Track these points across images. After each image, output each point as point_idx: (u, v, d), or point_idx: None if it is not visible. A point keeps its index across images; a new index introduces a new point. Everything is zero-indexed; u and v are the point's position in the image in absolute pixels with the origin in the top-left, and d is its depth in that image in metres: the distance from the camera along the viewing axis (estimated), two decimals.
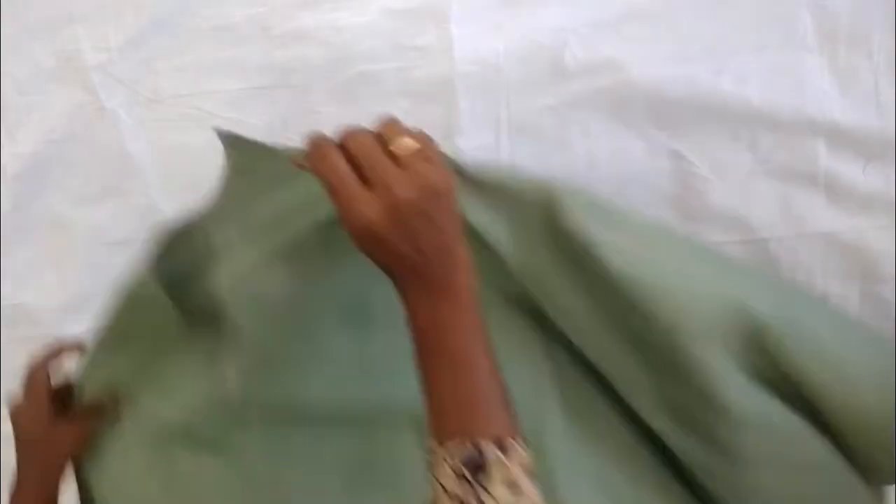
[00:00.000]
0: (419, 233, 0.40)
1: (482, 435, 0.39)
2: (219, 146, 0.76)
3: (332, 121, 0.74)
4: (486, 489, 0.37)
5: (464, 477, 0.37)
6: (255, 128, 0.76)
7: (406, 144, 0.42)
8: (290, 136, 0.76)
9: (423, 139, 0.43)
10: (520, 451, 0.39)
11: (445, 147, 0.74)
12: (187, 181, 0.78)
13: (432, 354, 0.42)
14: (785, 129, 0.73)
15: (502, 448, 0.38)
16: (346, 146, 0.42)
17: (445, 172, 0.42)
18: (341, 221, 0.41)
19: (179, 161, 0.78)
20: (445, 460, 0.38)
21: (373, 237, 0.40)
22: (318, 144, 0.43)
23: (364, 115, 0.74)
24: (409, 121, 0.74)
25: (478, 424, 0.39)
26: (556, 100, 0.74)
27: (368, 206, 0.40)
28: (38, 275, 0.80)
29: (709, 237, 0.77)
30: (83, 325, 0.81)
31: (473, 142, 0.75)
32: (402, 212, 0.39)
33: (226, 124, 0.75)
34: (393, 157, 0.42)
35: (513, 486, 0.37)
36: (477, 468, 0.38)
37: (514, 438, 0.39)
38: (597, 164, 0.75)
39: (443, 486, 0.38)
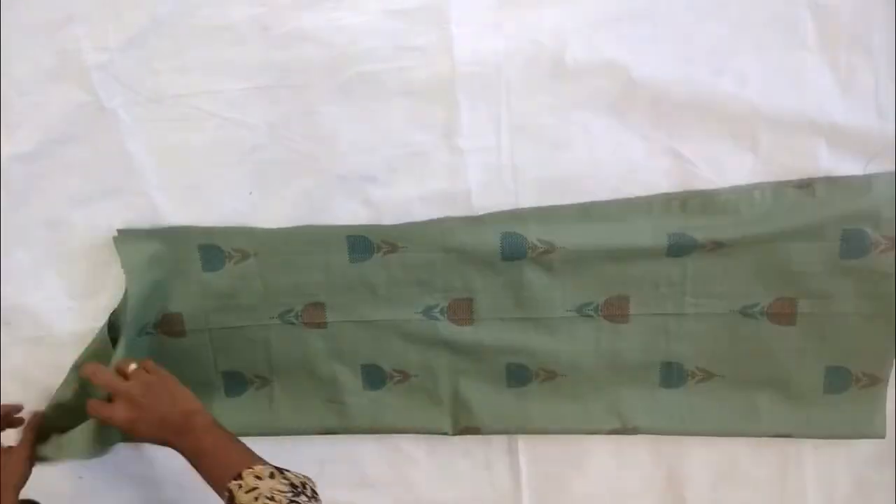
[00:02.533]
0: (152, 409, 0.67)
1: (227, 481, 0.62)
2: (219, 146, 0.77)
3: (332, 121, 0.75)
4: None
5: None
6: (256, 128, 0.76)
7: (129, 365, 0.70)
8: (291, 136, 0.76)
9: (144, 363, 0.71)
10: (249, 471, 0.62)
11: (446, 147, 0.75)
12: (187, 181, 0.79)
13: (200, 464, 0.66)
14: (785, 129, 0.73)
15: (237, 478, 0.62)
16: (92, 381, 0.69)
17: (158, 372, 0.71)
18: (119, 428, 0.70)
19: (179, 161, 0.77)
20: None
21: (131, 426, 0.67)
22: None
23: (364, 115, 0.75)
24: (410, 121, 0.74)
25: (227, 479, 0.62)
26: (557, 100, 0.74)
27: (116, 411, 0.67)
28: (37, 275, 0.80)
29: None
30: (83, 324, 0.81)
31: (474, 142, 0.75)
32: (134, 401, 0.67)
33: (226, 124, 0.76)
34: (124, 375, 0.69)
35: (251, 490, 0.61)
36: (230, 500, 0.61)
37: (246, 467, 0.63)
38: (597, 164, 0.75)
39: None
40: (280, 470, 0.64)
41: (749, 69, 0.72)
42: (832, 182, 0.72)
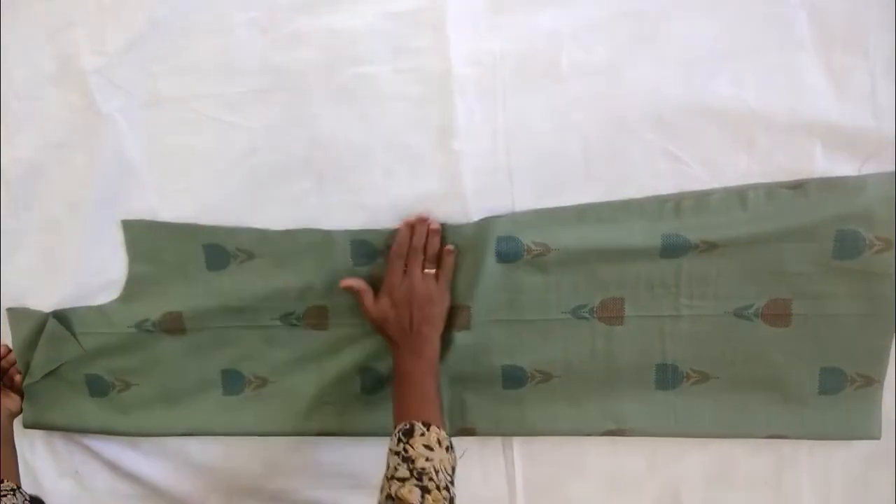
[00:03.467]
0: (404, 317, 0.73)
1: (416, 418, 0.66)
2: (217, 149, 0.77)
3: (329, 123, 0.76)
4: (408, 444, 0.63)
5: (398, 438, 0.65)
6: (254, 130, 0.77)
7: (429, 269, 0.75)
8: (289, 138, 0.77)
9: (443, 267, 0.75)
10: (437, 431, 0.65)
11: (442, 149, 0.75)
12: (184, 184, 0.79)
13: (403, 383, 0.72)
14: (781, 131, 0.73)
15: (426, 425, 0.65)
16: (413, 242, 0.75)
17: (442, 290, 0.75)
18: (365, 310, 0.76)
19: (177, 164, 0.78)
20: (394, 434, 0.66)
21: (382, 323, 0.75)
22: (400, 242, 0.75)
23: (361, 117, 0.75)
24: (406, 123, 0.74)
25: (415, 414, 0.67)
26: (553, 102, 0.74)
27: (376, 307, 0.75)
28: (36, 279, 0.80)
29: None
30: None
31: (470, 144, 0.75)
32: (396, 304, 0.74)
33: (223, 127, 0.76)
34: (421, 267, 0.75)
35: (428, 447, 0.63)
36: (407, 433, 0.65)
37: (436, 425, 0.66)
38: (593, 167, 0.75)
39: (389, 450, 0.65)
40: (452, 445, 0.67)
41: (745, 71, 0.72)
42: (826, 183, 0.72)
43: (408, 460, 0.62)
